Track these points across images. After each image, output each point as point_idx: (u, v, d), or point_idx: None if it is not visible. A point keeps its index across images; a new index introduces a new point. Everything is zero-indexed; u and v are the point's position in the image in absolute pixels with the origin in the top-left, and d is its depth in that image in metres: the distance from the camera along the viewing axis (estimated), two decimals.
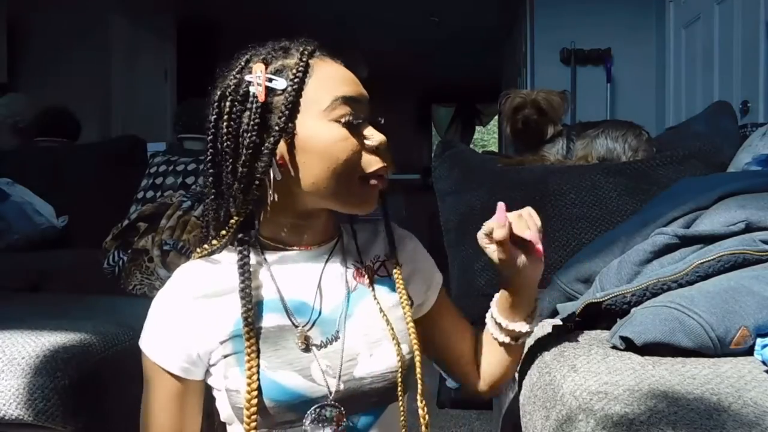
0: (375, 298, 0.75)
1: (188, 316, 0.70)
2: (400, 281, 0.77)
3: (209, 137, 0.71)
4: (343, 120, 0.68)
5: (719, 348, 0.68)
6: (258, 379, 0.66)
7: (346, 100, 0.69)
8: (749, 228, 0.86)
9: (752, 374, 0.62)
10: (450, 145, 1.74)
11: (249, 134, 0.68)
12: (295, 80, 0.68)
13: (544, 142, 1.75)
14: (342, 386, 0.68)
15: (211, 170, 0.71)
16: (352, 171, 0.69)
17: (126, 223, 1.66)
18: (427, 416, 0.75)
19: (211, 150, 0.70)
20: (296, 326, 0.70)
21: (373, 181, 0.70)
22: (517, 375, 0.86)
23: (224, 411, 0.72)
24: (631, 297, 0.82)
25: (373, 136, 0.70)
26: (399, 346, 0.72)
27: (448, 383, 2.20)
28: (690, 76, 3.03)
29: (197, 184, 1.98)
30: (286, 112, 0.67)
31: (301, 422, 0.67)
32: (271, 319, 0.70)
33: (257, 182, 0.68)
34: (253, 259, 0.72)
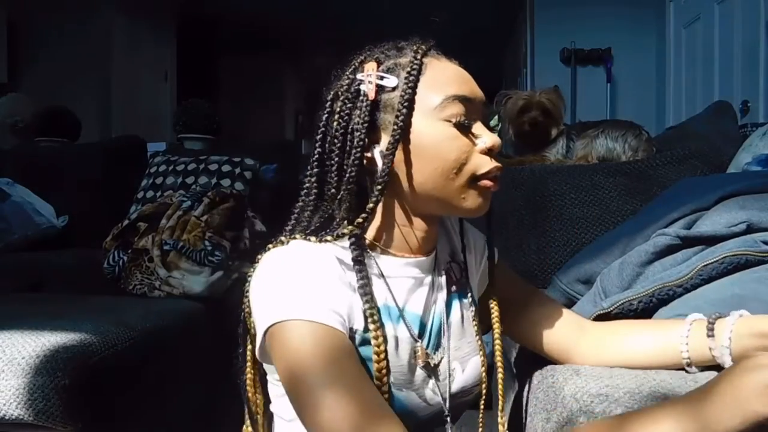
0: (460, 308, 0.74)
1: (330, 276, 0.62)
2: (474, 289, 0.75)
3: (318, 137, 0.69)
4: (454, 120, 0.66)
5: None
6: (389, 392, 0.62)
7: (458, 99, 0.66)
8: (750, 229, 0.86)
9: None
10: None
11: (359, 132, 0.66)
12: (410, 78, 0.66)
13: (548, 143, 1.75)
14: (447, 404, 0.67)
15: (316, 170, 0.69)
16: (462, 172, 0.66)
17: (126, 223, 1.66)
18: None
19: (318, 150, 0.68)
20: (416, 341, 0.67)
21: (485, 182, 0.67)
22: (517, 375, 0.86)
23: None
24: (637, 304, 0.82)
25: (486, 137, 0.67)
26: (484, 357, 0.71)
27: None
28: (690, 76, 3.03)
29: (197, 183, 1.98)
30: (403, 110, 0.65)
31: None
32: (390, 329, 0.65)
33: (369, 182, 0.67)
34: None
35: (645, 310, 0.81)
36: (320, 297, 0.59)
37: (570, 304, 0.99)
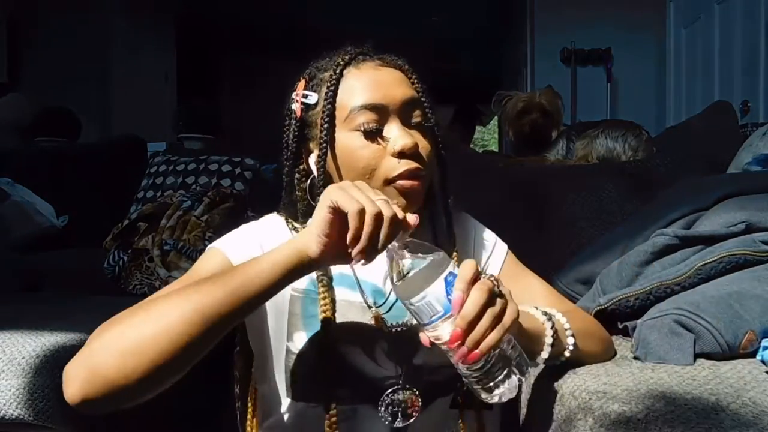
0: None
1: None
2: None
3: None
4: (361, 128, 0.70)
5: (728, 352, 0.68)
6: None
7: (365, 108, 0.70)
8: (749, 229, 0.86)
9: (752, 375, 0.62)
10: (450, 146, 1.73)
11: (291, 146, 0.75)
12: (328, 94, 0.71)
13: (549, 144, 1.75)
14: (410, 368, 0.70)
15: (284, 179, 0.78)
16: (374, 176, 0.70)
17: (126, 222, 1.66)
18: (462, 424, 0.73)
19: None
20: (369, 306, 0.71)
21: (401, 183, 0.70)
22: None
23: (272, 377, 0.72)
24: (635, 301, 0.82)
25: (396, 140, 0.70)
26: None
27: None
28: (690, 76, 3.03)
29: (197, 183, 1.98)
30: (325, 125, 0.70)
31: (368, 403, 0.69)
32: (341, 293, 0.71)
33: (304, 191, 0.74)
34: None
35: (642, 307, 0.81)
36: (247, 244, 0.72)
37: None
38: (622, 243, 1.04)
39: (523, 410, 0.80)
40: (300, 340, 0.70)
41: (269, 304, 0.70)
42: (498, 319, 0.55)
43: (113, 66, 4.02)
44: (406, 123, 0.72)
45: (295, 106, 0.74)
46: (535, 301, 0.78)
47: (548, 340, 0.65)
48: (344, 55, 0.73)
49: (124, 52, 4.11)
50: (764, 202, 0.90)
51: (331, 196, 0.57)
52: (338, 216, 0.57)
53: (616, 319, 0.86)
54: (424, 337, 0.58)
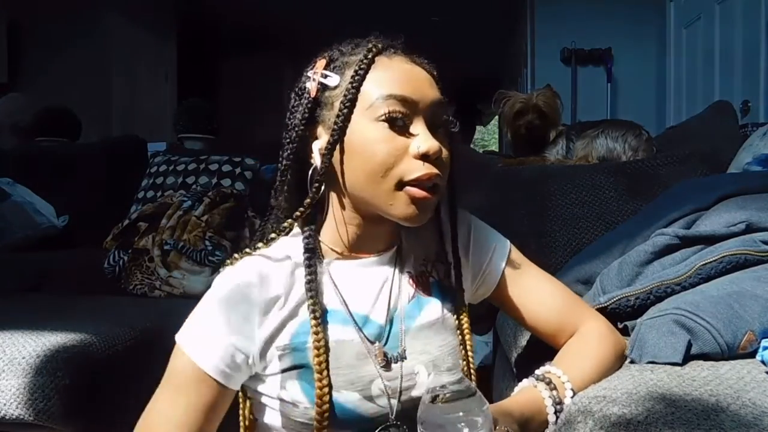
0: (441, 310, 0.72)
1: (242, 317, 0.64)
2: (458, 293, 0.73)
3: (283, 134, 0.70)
4: (385, 118, 0.64)
5: (727, 352, 0.68)
6: (330, 400, 0.63)
7: (394, 98, 0.64)
8: (750, 228, 0.86)
9: (752, 375, 0.62)
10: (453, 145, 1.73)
11: (297, 128, 0.67)
12: (355, 77, 0.65)
13: (546, 145, 1.75)
14: (400, 407, 0.66)
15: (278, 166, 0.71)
16: (388, 175, 0.64)
17: (126, 222, 1.66)
18: None
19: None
20: (372, 342, 0.67)
21: (413, 190, 0.64)
22: (517, 375, 0.86)
23: (271, 418, 0.68)
24: (635, 300, 0.82)
25: (421, 141, 0.64)
26: (469, 361, 0.70)
27: None
28: (690, 76, 3.03)
29: (197, 183, 1.98)
30: (344, 110, 0.64)
31: None
32: (334, 332, 0.66)
33: (310, 181, 0.68)
34: None
35: (642, 306, 0.80)
36: (214, 343, 0.63)
37: None
38: (622, 243, 1.04)
39: None
40: (295, 390, 0.65)
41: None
42: None
43: (113, 66, 4.02)
44: (432, 126, 0.66)
45: (311, 85, 0.68)
46: (542, 302, 0.77)
47: (551, 427, 0.64)
48: (377, 43, 0.68)
49: (124, 52, 4.11)
50: (764, 202, 0.90)
51: None
52: None
53: (616, 319, 0.86)
54: None
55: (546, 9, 3.68)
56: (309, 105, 0.67)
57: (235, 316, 0.64)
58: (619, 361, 0.73)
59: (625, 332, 0.84)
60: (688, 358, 0.67)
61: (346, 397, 0.64)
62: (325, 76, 0.67)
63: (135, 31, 4.23)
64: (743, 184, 0.99)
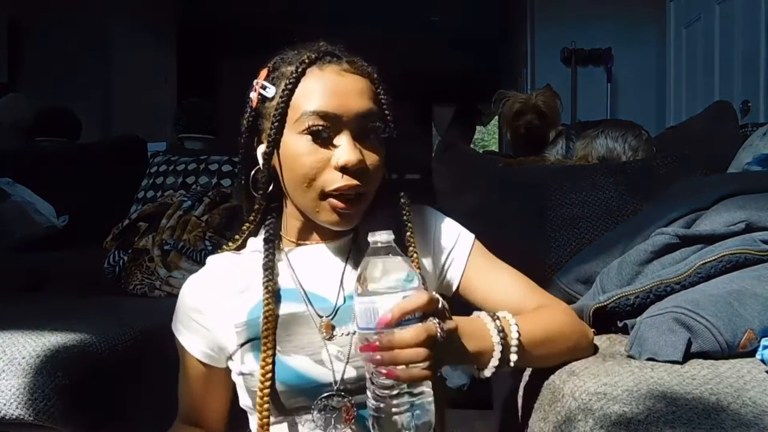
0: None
1: (210, 306, 0.74)
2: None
3: None
4: (308, 132, 0.68)
5: (727, 351, 0.68)
6: (273, 362, 0.68)
7: (315, 114, 0.68)
8: (749, 228, 0.86)
9: (752, 374, 0.62)
10: (450, 145, 1.74)
11: (243, 135, 0.75)
12: (285, 91, 0.69)
13: (545, 145, 1.75)
14: (352, 373, 0.69)
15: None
16: (312, 186, 0.69)
17: (126, 222, 1.66)
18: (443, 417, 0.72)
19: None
20: (320, 316, 0.71)
21: (333, 202, 0.69)
22: (517, 375, 0.86)
23: (242, 398, 0.74)
24: (634, 299, 0.82)
25: (340, 154, 0.68)
26: None
27: (448, 383, 2.20)
28: (690, 76, 3.03)
29: (197, 183, 1.98)
30: (275, 122, 0.69)
31: (308, 410, 0.69)
32: (287, 307, 0.72)
33: (255, 181, 0.75)
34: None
35: (641, 305, 0.81)
36: (193, 328, 0.76)
37: (570, 303, 0.99)
38: (622, 242, 1.04)
39: (522, 410, 0.80)
40: (249, 361, 0.71)
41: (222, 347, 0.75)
42: (421, 360, 0.56)
43: (113, 66, 4.02)
44: (358, 135, 0.70)
45: (253, 95, 0.73)
46: (507, 292, 0.79)
47: (494, 362, 0.65)
48: (310, 53, 0.71)
49: (124, 52, 4.11)
50: (764, 202, 0.90)
51: None
52: None
53: (615, 318, 0.86)
54: (356, 340, 0.60)
55: (546, 9, 3.68)
56: (251, 115, 0.74)
57: (208, 305, 0.74)
58: (576, 335, 0.75)
59: (624, 331, 0.84)
60: (688, 356, 0.67)
61: (297, 362, 0.69)
62: (264, 87, 0.72)
63: (135, 31, 4.23)
64: (743, 184, 0.99)
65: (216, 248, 1.57)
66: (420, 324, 0.57)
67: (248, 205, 0.78)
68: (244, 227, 0.78)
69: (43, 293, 1.67)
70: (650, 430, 0.52)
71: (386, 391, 0.57)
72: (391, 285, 0.58)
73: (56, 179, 2.21)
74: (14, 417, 0.95)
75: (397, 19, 5.39)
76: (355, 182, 0.69)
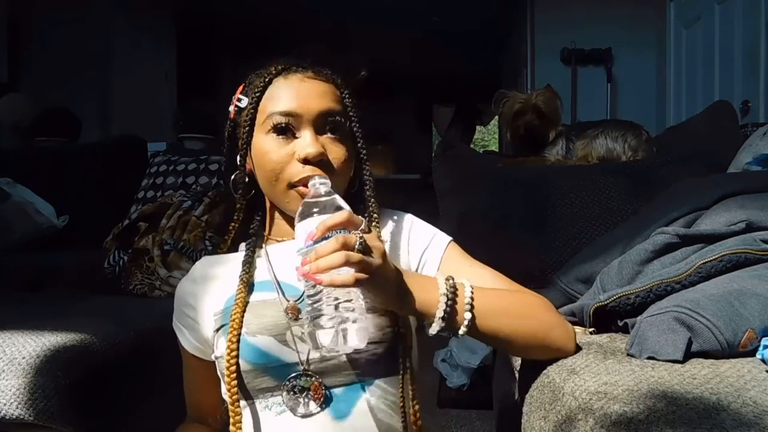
0: None
1: (198, 302, 0.80)
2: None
3: None
4: (272, 130, 0.76)
5: (727, 350, 0.68)
6: (238, 341, 0.71)
7: (278, 114, 0.76)
8: (750, 227, 0.86)
9: (752, 374, 0.62)
10: (450, 145, 1.74)
11: (224, 146, 0.84)
12: (252, 101, 0.78)
13: (545, 145, 1.75)
14: (317, 354, 0.71)
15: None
16: (279, 179, 0.77)
17: (126, 222, 1.66)
18: (414, 405, 0.73)
19: None
20: (288, 300, 0.75)
21: (300, 189, 0.75)
22: (517, 375, 0.86)
23: (223, 390, 0.76)
24: (634, 298, 0.82)
25: (300, 147, 0.75)
26: (381, 319, 0.73)
27: (448, 382, 2.20)
28: (690, 76, 3.03)
29: (197, 183, 1.98)
30: (246, 129, 0.78)
31: (277, 391, 0.72)
32: (259, 296, 0.77)
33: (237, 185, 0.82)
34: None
35: (641, 305, 0.81)
36: (183, 325, 0.83)
37: (570, 303, 0.99)
38: (622, 242, 1.04)
39: (523, 410, 0.80)
40: (221, 345, 0.74)
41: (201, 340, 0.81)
42: (339, 264, 0.60)
43: (113, 66, 4.02)
44: (320, 131, 0.77)
45: (231, 108, 0.83)
46: (483, 285, 0.79)
47: (439, 313, 0.67)
48: (277, 66, 0.80)
49: (124, 52, 4.11)
50: (765, 201, 0.90)
51: None
52: None
53: (615, 317, 0.86)
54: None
55: (546, 9, 3.68)
56: (230, 126, 0.83)
57: (193, 302, 0.81)
58: (547, 323, 0.75)
59: (625, 330, 0.84)
60: (688, 355, 0.67)
61: (262, 341, 0.72)
62: (240, 100, 0.82)
63: (135, 31, 4.23)
64: (743, 184, 0.99)
65: (216, 248, 1.58)
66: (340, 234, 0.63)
67: (234, 208, 0.85)
68: (230, 227, 0.84)
69: (43, 293, 1.67)
70: (651, 430, 0.52)
71: (315, 305, 0.63)
72: (319, 209, 0.66)
73: (56, 179, 2.21)
74: (14, 417, 0.95)
75: (398, 19, 5.39)
76: (318, 171, 0.75)
